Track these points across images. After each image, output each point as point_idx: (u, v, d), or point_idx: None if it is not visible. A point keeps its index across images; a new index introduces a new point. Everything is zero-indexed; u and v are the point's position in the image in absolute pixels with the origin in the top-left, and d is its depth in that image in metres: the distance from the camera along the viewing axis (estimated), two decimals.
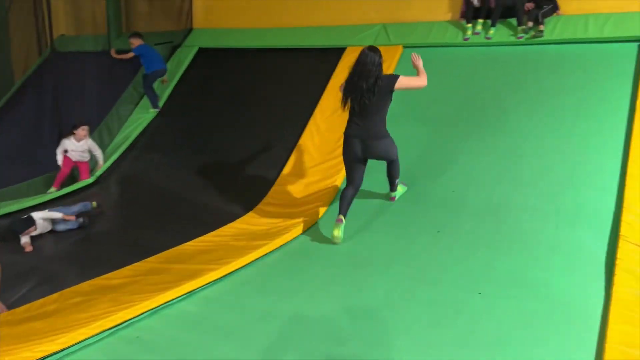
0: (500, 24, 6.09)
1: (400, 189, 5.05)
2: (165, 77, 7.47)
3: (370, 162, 4.70)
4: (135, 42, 7.19)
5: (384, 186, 5.23)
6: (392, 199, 5.07)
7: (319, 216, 5.08)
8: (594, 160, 4.67)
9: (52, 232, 5.27)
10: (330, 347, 3.15)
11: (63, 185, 6.42)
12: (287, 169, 5.88)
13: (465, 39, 6.17)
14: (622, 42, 5.50)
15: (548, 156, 4.86)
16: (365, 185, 5.31)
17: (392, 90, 4.32)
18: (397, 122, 5.67)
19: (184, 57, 8.01)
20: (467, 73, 5.95)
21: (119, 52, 7.29)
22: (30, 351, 2.94)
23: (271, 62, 7.38)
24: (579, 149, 4.81)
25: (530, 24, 5.83)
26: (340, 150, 5.62)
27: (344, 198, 4.60)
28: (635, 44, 5.43)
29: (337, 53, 6.84)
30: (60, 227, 5.28)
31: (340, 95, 4.46)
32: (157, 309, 3.53)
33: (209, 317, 3.51)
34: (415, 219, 4.78)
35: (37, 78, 7.65)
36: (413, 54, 4.48)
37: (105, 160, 6.69)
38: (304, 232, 4.86)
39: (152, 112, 7.41)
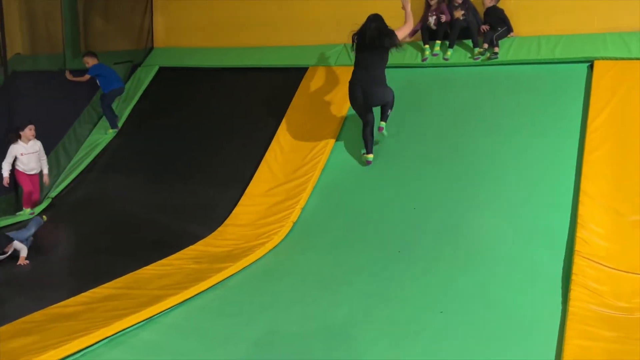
0: (458, 45, 6.26)
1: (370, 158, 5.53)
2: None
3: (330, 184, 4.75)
4: (90, 61, 7.03)
5: (347, 205, 5.26)
6: (380, 129, 5.50)
7: (283, 236, 5.05)
8: (549, 178, 4.81)
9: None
10: None
11: (34, 203, 6.21)
12: (250, 189, 5.84)
13: (424, 60, 6.31)
14: (572, 63, 5.71)
15: (504, 175, 4.98)
16: (328, 205, 5.35)
17: (395, 45, 5.33)
18: (358, 142, 5.78)
19: (144, 76, 7.90)
20: (425, 93, 6.07)
21: (74, 73, 7.11)
22: None
23: (233, 81, 7.37)
24: (534, 168, 4.95)
25: (486, 45, 6.01)
26: (305, 169, 5.66)
27: (365, 137, 5.61)
28: (585, 65, 5.65)
29: (299, 73, 6.88)
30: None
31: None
32: (113, 336, 3.41)
33: (168, 344, 3.42)
34: (376, 237, 4.81)
35: None
36: None
37: (60, 180, 6.50)
38: (267, 253, 4.82)
39: (111, 133, 7.26)
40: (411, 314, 3.67)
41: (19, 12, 7.40)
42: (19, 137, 6.10)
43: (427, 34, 6.33)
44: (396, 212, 5.01)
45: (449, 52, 6.22)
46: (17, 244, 4.99)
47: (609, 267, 3.97)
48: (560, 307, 3.63)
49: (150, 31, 8.33)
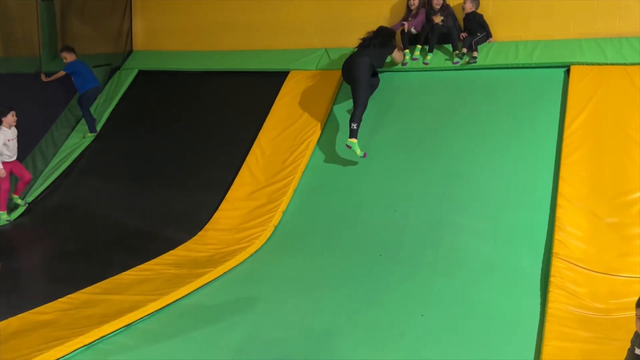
0: (437, 49, 6.31)
1: (355, 145, 5.44)
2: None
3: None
4: (68, 57, 6.88)
5: (328, 208, 5.26)
6: (348, 146, 5.48)
7: (264, 241, 5.03)
8: (527, 180, 4.87)
9: None
10: None
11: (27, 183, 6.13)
12: (231, 193, 5.80)
13: (404, 64, 6.35)
14: (550, 68, 5.80)
15: (483, 177, 5.03)
16: (310, 208, 5.34)
17: (390, 52, 6.05)
18: (338, 145, 5.79)
19: (124, 80, 7.80)
20: (405, 97, 6.11)
21: (48, 75, 7.00)
22: None
23: (214, 85, 7.32)
24: (513, 170, 5.00)
25: (465, 50, 6.08)
26: (286, 172, 5.65)
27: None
28: (562, 70, 5.74)
29: (280, 77, 6.86)
30: None
31: None
32: (91, 344, 3.36)
33: (147, 351, 3.38)
34: (358, 241, 4.82)
35: None
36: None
37: (37, 185, 6.38)
38: (248, 257, 4.79)
39: (90, 137, 7.16)
40: (393, 318, 3.68)
41: None
42: (0, 123, 5.92)
43: (407, 38, 6.38)
44: (377, 215, 5.02)
45: (429, 56, 6.27)
46: None
47: (586, 269, 4.04)
48: (539, 308, 3.68)
49: (130, 34, 8.24)
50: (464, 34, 6.15)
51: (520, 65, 5.90)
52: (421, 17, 6.30)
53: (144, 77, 7.83)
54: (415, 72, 6.30)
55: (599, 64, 5.57)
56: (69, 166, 6.86)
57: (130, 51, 8.25)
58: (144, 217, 5.82)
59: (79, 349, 3.29)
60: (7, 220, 5.91)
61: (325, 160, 5.80)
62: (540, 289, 3.89)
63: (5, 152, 5.94)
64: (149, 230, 5.56)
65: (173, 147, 6.75)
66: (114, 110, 7.51)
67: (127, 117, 7.38)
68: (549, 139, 5.12)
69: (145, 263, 4.71)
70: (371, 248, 4.68)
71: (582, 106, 5.23)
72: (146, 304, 3.77)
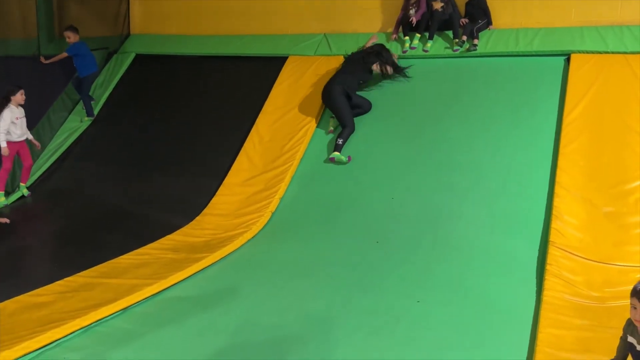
0: (438, 36, 6.28)
1: (341, 156, 5.48)
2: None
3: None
4: (72, 36, 6.78)
5: (325, 194, 5.26)
6: (331, 159, 5.50)
7: (261, 226, 5.03)
8: (525, 169, 4.86)
9: None
10: (272, 358, 3.11)
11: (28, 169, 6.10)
12: (228, 179, 5.79)
13: (404, 52, 6.31)
14: (550, 56, 5.77)
15: (482, 165, 5.02)
16: (307, 194, 5.34)
17: (369, 70, 5.99)
18: (337, 132, 5.77)
19: (121, 64, 7.75)
20: (405, 85, 6.07)
21: (47, 57, 6.93)
22: None
23: (212, 70, 7.27)
24: (511, 159, 4.99)
25: (465, 37, 6.04)
26: (284, 158, 5.63)
27: None
28: (562, 58, 5.72)
29: (279, 62, 6.82)
30: None
31: None
32: (88, 327, 3.37)
33: (145, 334, 3.39)
34: (355, 227, 4.82)
35: None
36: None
37: (34, 169, 6.36)
38: (245, 243, 4.79)
39: (87, 121, 7.12)
40: (389, 303, 3.69)
41: None
42: (9, 101, 5.86)
43: (407, 25, 6.33)
44: (374, 202, 5.02)
45: (429, 43, 6.24)
46: None
47: (582, 258, 4.04)
48: (534, 296, 3.69)
49: (127, 17, 8.16)
50: (464, 20, 6.11)
51: (521, 53, 5.88)
52: (423, 6, 6.22)
53: (142, 61, 7.78)
54: (415, 59, 6.27)
55: (600, 52, 5.55)
56: (66, 150, 6.84)
57: (128, 34, 8.18)
58: (141, 201, 5.81)
59: (75, 331, 3.30)
60: (4, 205, 5.89)
61: (324, 148, 5.78)
62: (536, 277, 3.90)
63: (14, 130, 5.90)
64: (146, 214, 5.56)
65: (170, 131, 6.72)
66: (111, 94, 7.46)
67: (125, 102, 7.34)
68: (547, 128, 5.11)
69: (143, 247, 4.71)
70: (368, 235, 4.68)
71: (581, 95, 5.21)
72: (143, 287, 3.77)
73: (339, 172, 5.49)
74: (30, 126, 6.24)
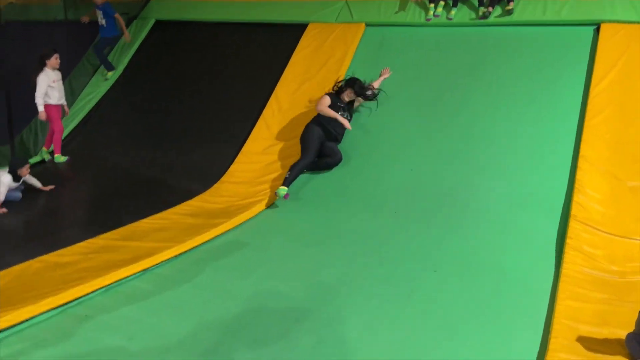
0: (462, 4, 6.10)
1: (282, 190, 4.80)
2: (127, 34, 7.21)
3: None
4: None
5: (344, 164, 5.23)
6: (276, 194, 4.83)
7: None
8: (548, 142, 4.76)
9: None
10: (286, 324, 3.15)
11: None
12: (247, 147, 5.79)
13: (428, 19, 6.16)
14: (578, 26, 5.58)
15: (503, 138, 4.93)
16: (327, 172, 5.31)
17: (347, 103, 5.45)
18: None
19: (140, 30, 7.72)
20: (427, 53, 5.95)
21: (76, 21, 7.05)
22: None
23: (231, 36, 7.21)
24: (533, 131, 4.89)
25: (491, 9, 5.86)
26: (302, 128, 5.60)
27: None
28: (592, 28, 5.52)
29: (299, 29, 6.71)
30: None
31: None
32: (109, 286, 3.44)
33: (163, 295, 3.46)
34: (372, 197, 4.80)
35: None
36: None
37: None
38: (262, 210, 4.81)
39: (111, 75, 7.20)
40: (404, 274, 3.69)
41: None
42: (44, 65, 5.93)
43: None
44: (393, 173, 4.98)
45: (453, 11, 6.07)
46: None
47: (604, 232, 3.98)
48: (553, 269, 3.66)
49: None
50: None
51: (548, 23, 5.69)
52: None
53: (161, 27, 7.74)
54: (439, 27, 6.12)
55: (631, 22, 5.35)
56: (87, 115, 6.90)
57: (148, 0, 8.12)
58: (159, 167, 5.86)
59: (97, 290, 3.37)
60: (64, 161, 6.03)
61: None
62: (555, 251, 3.86)
63: (53, 93, 5.97)
64: (164, 181, 5.60)
65: (189, 98, 6.71)
66: (130, 60, 7.46)
67: (144, 68, 7.34)
68: (573, 100, 4.97)
69: (162, 212, 4.76)
70: (385, 205, 4.66)
71: (610, 66, 5.05)
72: (163, 250, 3.83)
73: (358, 142, 5.44)
74: None
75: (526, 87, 5.24)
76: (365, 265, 3.81)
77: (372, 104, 5.60)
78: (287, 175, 4.91)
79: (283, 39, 6.71)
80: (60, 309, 3.18)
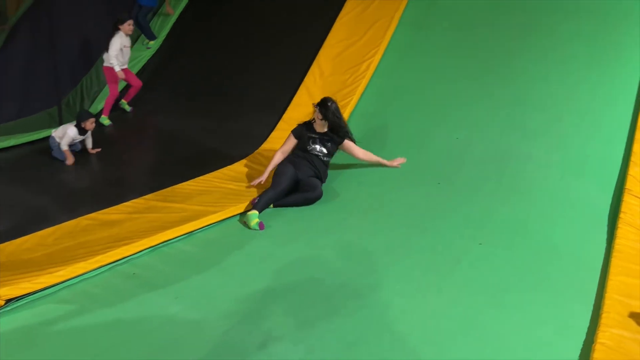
0: None
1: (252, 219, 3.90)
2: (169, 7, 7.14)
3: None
4: None
5: (386, 133, 5.14)
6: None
7: None
8: (604, 111, 4.55)
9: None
10: (330, 288, 3.15)
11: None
12: (288, 113, 5.75)
13: None
14: None
15: (556, 105, 4.74)
16: (366, 131, 5.23)
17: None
18: (396, 69, 5.54)
19: None
20: (478, 15, 5.71)
21: None
22: (29, 282, 2.95)
23: (273, 2, 7.12)
24: (589, 99, 4.68)
25: None
26: (344, 93, 5.49)
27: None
28: None
29: None
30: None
31: None
32: (155, 247, 3.51)
33: (208, 258, 3.50)
34: (416, 167, 4.70)
35: (31, 13, 7.37)
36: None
37: (101, 97, 6.56)
38: None
39: (153, 44, 7.24)
40: (449, 243, 3.62)
41: None
42: (118, 30, 6.13)
43: None
44: (437, 142, 4.86)
45: None
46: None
47: None
48: (604, 244, 3.53)
49: None
50: None
51: None
52: None
53: None
54: None
55: None
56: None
57: None
58: (201, 132, 5.89)
59: (144, 250, 3.44)
60: (108, 124, 6.23)
61: (386, 83, 5.61)
62: (608, 225, 3.71)
63: (120, 58, 6.14)
64: (206, 144, 5.64)
65: (231, 64, 6.70)
66: (173, 26, 7.48)
67: (186, 34, 7.37)
68: (632, 67, 4.72)
69: (204, 175, 4.79)
70: (429, 175, 4.56)
71: None
72: (207, 215, 3.86)
73: (401, 109, 5.33)
74: (96, 56, 6.38)
75: (583, 51, 4.99)
76: (407, 236, 3.75)
77: (418, 67, 5.38)
78: (257, 200, 4.09)
79: (327, 3, 6.58)
80: (109, 266, 3.27)
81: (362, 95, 5.57)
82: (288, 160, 4.45)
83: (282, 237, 3.79)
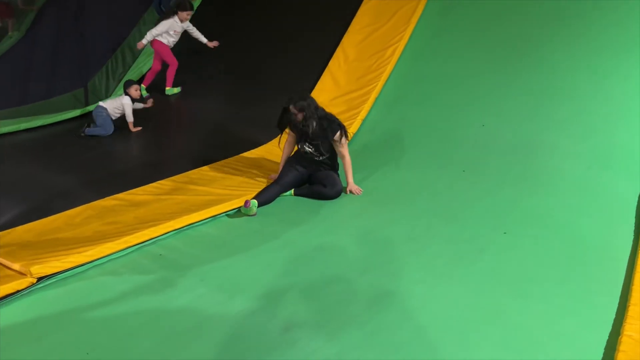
0: None
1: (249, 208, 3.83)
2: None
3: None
4: None
5: (410, 119, 5.10)
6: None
7: None
8: (634, 102, 4.45)
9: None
10: (351, 275, 3.16)
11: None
12: None
13: None
14: None
15: (584, 95, 4.65)
16: (391, 118, 5.20)
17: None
18: (422, 54, 5.47)
19: None
20: (504, 1, 5.59)
21: None
22: (58, 261, 3.01)
23: None
24: (618, 89, 4.57)
25: None
26: (369, 78, 5.42)
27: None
28: None
29: None
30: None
31: None
32: (180, 229, 3.56)
33: (232, 241, 3.54)
34: (440, 154, 4.67)
35: None
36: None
37: (126, 79, 6.61)
38: None
39: None
40: (473, 233, 3.60)
41: None
42: (175, 14, 6.23)
43: None
44: (463, 129, 4.82)
45: None
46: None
47: None
48: (632, 236, 3.48)
49: None
50: None
51: None
52: None
53: None
54: None
55: None
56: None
57: None
58: (225, 116, 5.92)
59: (170, 232, 3.49)
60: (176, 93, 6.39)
61: (411, 68, 5.56)
62: (636, 217, 3.66)
63: (169, 38, 6.29)
64: (229, 129, 5.66)
65: (254, 50, 6.68)
66: (197, 10, 7.45)
67: (210, 19, 7.33)
68: None
69: (228, 159, 4.82)
70: (453, 163, 4.53)
71: None
72: (232, 199, 3.89)
73: (426, 95, 5.28)
74: (123, 37, 6.41)
75: (613, 40, 4.86)
76: (431, 224, 3.73)
77: (444, 53, 5.29)
78: (261, 192, 4.03)
79: None
80: (136, 247, 3.32)
81: (387, 80, 5.52)
82: (295, 156, 4.31)
83: (305, 224, 3.80)
